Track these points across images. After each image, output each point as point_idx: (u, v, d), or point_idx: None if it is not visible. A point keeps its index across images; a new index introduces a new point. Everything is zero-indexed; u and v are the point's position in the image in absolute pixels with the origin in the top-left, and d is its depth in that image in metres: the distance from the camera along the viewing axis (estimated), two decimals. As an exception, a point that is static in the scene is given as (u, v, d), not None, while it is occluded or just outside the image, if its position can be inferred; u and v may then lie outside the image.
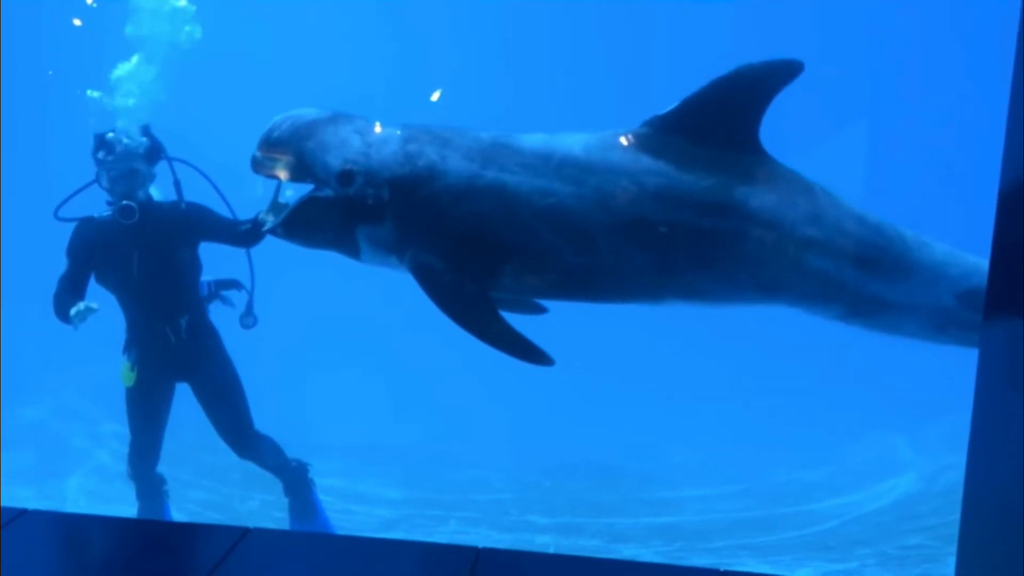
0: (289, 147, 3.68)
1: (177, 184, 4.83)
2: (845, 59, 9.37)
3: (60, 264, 4.78)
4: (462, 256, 3.64)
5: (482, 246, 3.65)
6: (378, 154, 3.63)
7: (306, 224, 3.76)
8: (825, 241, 3.58)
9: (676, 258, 3.61)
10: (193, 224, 4.83)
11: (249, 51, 9.46)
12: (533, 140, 3.67)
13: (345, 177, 3.62)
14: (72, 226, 4.83)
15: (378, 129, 3.71)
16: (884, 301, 3.69)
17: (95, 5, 8.53)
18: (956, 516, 2.46)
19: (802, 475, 7.69)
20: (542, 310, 3.99)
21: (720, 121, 3.59)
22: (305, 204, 3.72)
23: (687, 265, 3.63)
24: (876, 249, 3.65)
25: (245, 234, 4.76)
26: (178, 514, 5.39)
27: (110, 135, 4.74)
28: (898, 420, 8.48)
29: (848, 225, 3.63)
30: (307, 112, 3.77)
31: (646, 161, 3.58)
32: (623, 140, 3.63)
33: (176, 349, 4.89)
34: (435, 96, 9.75)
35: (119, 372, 4.93)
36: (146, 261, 4.79)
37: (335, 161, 3.63)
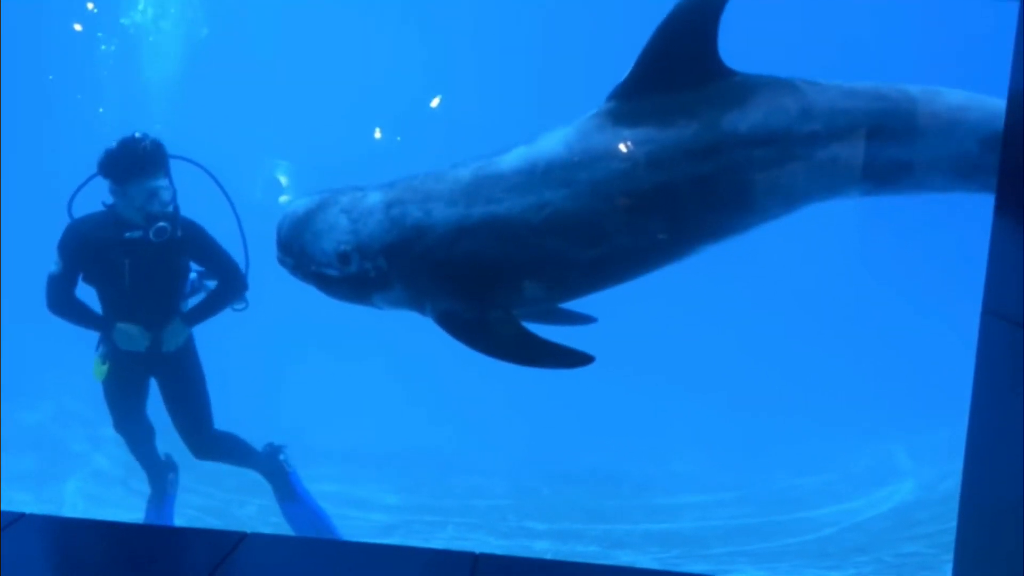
0: (292, 245, 3.83)
1: (175, 203, 4.81)
2: (842, 59, 9.39)
3: (52, 262, 4.74)
4: (478, 293, 3.69)
5: (494, 277, 3.68)
6: (365, 228, 3.70)
7: (325, 292, 3.90)
8: (826, 129, 3.52)
9: (691, 211, 3.58)
10: (186, 246, 4.85)
11: (259, 49, 9.49)
12: (513, 158, 3.64)
13: (342, 259, 3.73)
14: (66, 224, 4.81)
15: (362, 201, 3.75)
16: (906, 162, 3.59)
17: (95, 11, 8.56)
18: (954, 524, 2.46)
19: (800, 482, 7.69)
20: (591, 320, 3.95)
21: (680, 62, 3.54)
22: (319, 281, 3.84)
23: (706, 212, 3.61)
24: (881, 115, 3.57)
25: (229, 279, 4.90)
26: (176, 519, 5.38)
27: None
28: (897, 428, 8.48)
29: (843, 103, 3.56)
30: (299, 204, 3.88)
31: (629, 133, 3.55)
32: (600, 121, 3.59)
33: (151, 348, 4.90)
34: (435, 103, 9.76)
35: (91, 367, 4.94)
36: (137, 269, 4.79)
37: (329, 246, 3.74)
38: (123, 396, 5.01)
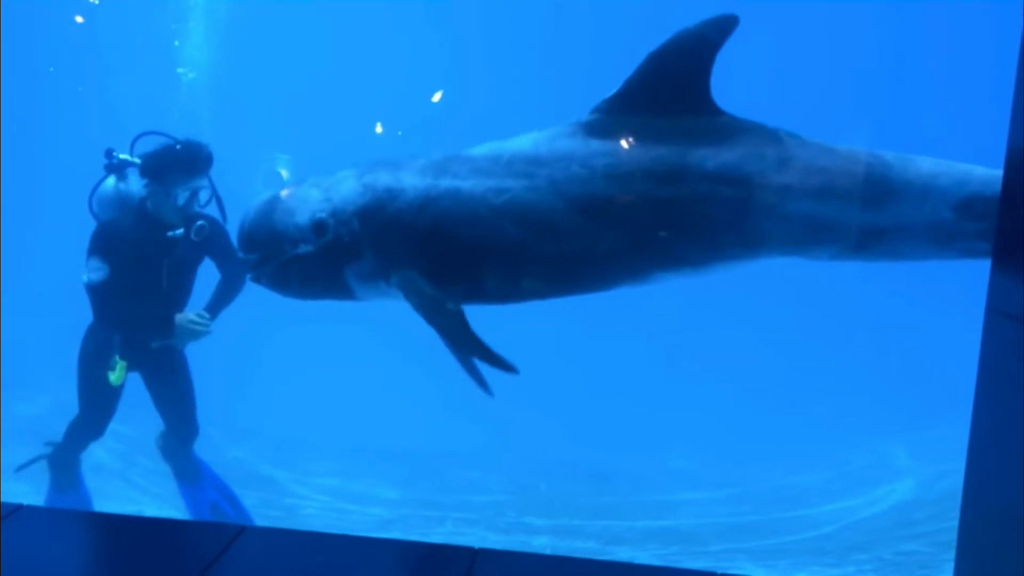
0: (261, 233, 3.86)
1: (218, 200, 4.83)
2: (844, 59, 9.39)
3: (90, 270, 4.67)
4: (438, 264, 3.76)
5: (453, 251, 3.76)
6: (338, 194, 3.78)
7: (297, 280, 3.91)
8: (799, 184, 3.54)
9: (645, 232, 3.63)
10: (210, 245, 4.88)
11: (260, 42, 9.49)
12: (485, 148, 3.79)
13: (318, 227, 3.79)
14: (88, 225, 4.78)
15: (332, 175, 3.86)
16: (877, 229, 3.58)
17: (97, 2, 8.54)
18: (953, 522, 2.46)
19: (799, 480, 7.69)
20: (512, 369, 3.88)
21: (668, 90, 3.61)
22: (291, 263, 3.84)
23: (659, 237, 3.65)
24: (854, 178, 3.58)
25: (239, 268, 4.83)
26: (175, 511, 5.39)
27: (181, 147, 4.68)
28: (896, 426, 8.48)
29: (820, 162, 3.57)
30: (260, 196, 3.94)
31: (596, 144, 3.63)
32: (573, 129, 3.70)
33: (162, 344, 4.90)
34: (436, 97, 9.75)
35: (111, 373, 4.91)
36: (175, 272, 4.81)
37: (304, 218, 3.79)
38: (115, 394, 4.99)
